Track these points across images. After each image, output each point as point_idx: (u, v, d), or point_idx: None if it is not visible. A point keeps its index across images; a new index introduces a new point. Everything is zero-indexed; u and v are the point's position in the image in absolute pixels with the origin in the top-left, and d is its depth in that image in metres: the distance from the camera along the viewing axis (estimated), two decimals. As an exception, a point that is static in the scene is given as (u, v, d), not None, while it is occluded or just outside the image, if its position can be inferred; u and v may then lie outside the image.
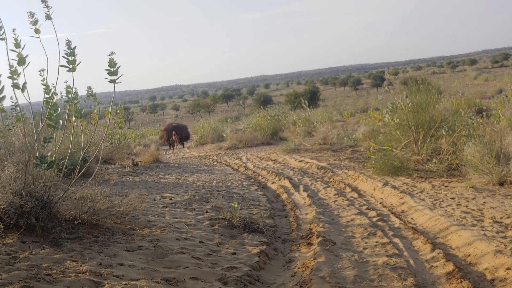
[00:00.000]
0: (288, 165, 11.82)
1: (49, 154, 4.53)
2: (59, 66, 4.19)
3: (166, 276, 3.60)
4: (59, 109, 4.66)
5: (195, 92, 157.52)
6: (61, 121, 4.67)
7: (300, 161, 11.94)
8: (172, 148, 25.58)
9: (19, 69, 4.22)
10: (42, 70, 4.49)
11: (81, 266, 3.51)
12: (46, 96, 4.60)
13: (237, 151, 17.36)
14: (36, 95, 4.77)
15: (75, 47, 4.25)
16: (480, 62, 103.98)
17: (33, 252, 3.66)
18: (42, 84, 4.58)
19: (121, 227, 4.81)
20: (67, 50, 4.23)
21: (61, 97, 5.14)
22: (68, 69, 4.28)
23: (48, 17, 4.16)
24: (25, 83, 4.28)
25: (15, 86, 4.26)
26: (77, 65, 4.26)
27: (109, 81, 4.37)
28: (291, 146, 14.50)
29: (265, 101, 51.59)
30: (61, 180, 4.58)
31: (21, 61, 4.18)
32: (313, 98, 49.82)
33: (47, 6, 4.14)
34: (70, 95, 4.73)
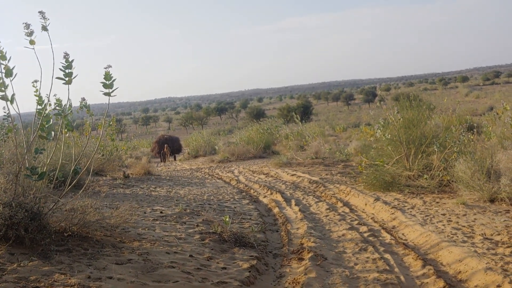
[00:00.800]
0: (280, 179, 11.83)
1: (40, 165, 4.50)
2: (52, 77, 4.19)
3: (156, 290, 3.57)
4: (51, 120, 4.64)
5: (188, 105, 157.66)
6: (53, 132, 4.65)
7: (292, 175, 11.95)
8: (163, 160, 25.47)
9: (7, 81, 4.21)
10: (35, 81, 4.49)
11: (69, 279, 3.47)
12: (39, 107, 4.58)
13: (229, 164, 17.34)
14: (29, 105, 4.76)
15: (72, 60, 4.26)
16: (472, 79, 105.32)
17: (21, 264, 3.62)
18: (35, 95, 4.57)
19: (111, 239, 4.77)
20: (65, 63, 4.24)
21: (54, 108, 5.13)
22: (64, 81, 4.28)
23: (44, 28, 4.17)
24: (13, 94, 4.26)
25: (4, 98, 4.24)
26: (74, 78, 4.27)
27: (104, 94, 4.38)
28: (283, 160, 14.51)
29: (258, 115, 51.80)
30: (52, 191, 4.54)
31: (8, 73, 4.17)
32: (305, 112, 50.16)
33: (44, 18, 4.15)
34: (60, 108, 4.72)
